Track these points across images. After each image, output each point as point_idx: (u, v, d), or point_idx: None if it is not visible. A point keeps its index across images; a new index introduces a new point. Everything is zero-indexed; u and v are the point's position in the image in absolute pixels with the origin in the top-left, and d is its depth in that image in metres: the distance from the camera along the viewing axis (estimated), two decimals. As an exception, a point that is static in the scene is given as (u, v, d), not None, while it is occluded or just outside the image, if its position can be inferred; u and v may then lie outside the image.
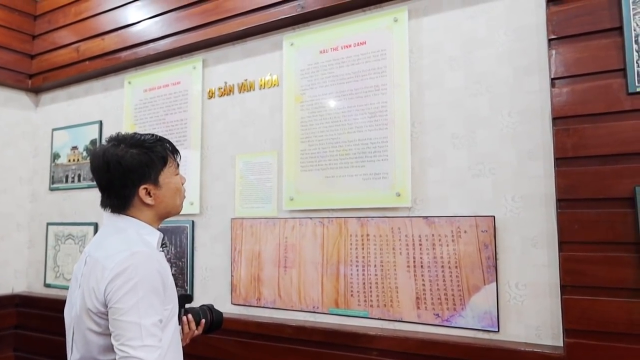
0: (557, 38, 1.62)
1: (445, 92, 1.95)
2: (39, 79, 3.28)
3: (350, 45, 2.16)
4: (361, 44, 2.13)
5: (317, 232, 2.18)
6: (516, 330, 1.76)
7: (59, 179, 3.24)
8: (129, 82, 2.90)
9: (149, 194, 1.32)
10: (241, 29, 2.39)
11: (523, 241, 1.76)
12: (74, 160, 3.17)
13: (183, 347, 1.58)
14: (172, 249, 2.64)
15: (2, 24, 3.17)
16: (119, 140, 1.35)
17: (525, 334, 1.74)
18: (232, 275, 2.41)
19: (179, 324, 1.52)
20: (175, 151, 1.41)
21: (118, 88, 2.99)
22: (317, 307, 2.15)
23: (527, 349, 1.68)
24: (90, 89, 3.15)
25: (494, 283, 1.78)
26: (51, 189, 3.27)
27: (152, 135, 1.39)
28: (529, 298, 1.75)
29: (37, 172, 3.38)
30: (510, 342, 1.74)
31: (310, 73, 2.25)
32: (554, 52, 1.62)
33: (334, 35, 2.21)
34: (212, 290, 2.50)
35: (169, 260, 2.64)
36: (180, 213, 2.55)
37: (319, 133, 2.20)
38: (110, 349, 1.17)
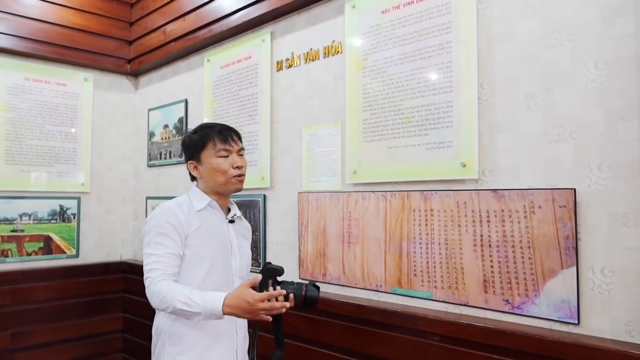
0: (656, -36, 1.29)
1: (518, 45, 1.67)
2: (135, 63, 3.52)
3: (412, 2, 1.95)
4: (424, -2, 1.91)
5: (379, 206, 2.04)
6: (601, 325, 1.48)
7: (154, 156, 3.47)
8: (208, 60, 2.98)
9: (196, 168, 1.71)
10: (304, -6, 2.30)
11: (611, 219, 1.46)
12: (165, 138, 3.36)
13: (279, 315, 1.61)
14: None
15: (103, 14, 3.44)
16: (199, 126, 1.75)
17: (612, 330, 1.46)
18: (299, 250, 2.38)
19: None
20: (220, 137, 1.65)
21: (199, 67, 3.08)
22: (381, 286, 2.04)
23: (613, 347, 1.40)
24: (177, 70, 3.30)
25: (574, 267, 1.51)
26: (149, 166, 3.52)
27: (216, 124, 1.72)
28: (617, 287, 1.45)
29: (138, 150, 3.65)
30: (592, 338, 1.47)
31: (372, 36, 2.09)
32: (652, -18, 1.29)
33: (396, -8, 2.02)
34: (282, 265, 2.48)
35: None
36: (254, 187, 2.62)
37: (381, 100, 2.04)
38: None
